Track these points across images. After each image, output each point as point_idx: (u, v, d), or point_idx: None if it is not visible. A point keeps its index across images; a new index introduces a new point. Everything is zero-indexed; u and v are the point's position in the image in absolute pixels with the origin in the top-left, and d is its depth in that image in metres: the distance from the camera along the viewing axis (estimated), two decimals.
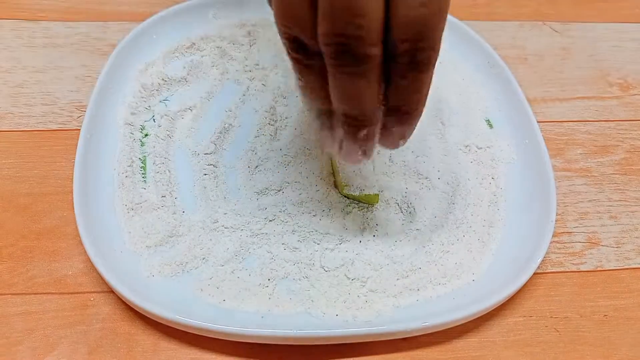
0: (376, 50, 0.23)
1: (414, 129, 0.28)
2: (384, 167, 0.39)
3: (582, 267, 0.37)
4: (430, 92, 0.40)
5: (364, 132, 0.27)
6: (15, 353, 0.32)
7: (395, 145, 0.29)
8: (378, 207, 0.37)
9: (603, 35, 0.51)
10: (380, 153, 0.39)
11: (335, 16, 0.22)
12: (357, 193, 0.36)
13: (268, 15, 0.42)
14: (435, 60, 0.25)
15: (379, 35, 0.23)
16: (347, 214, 0.36)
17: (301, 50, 0.25)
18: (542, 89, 0.47)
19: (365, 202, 0.36)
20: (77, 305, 0.33)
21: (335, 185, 0.37)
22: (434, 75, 0.26)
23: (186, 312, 0.31)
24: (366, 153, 0.28)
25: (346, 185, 0.35)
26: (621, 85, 0.48)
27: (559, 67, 0.49)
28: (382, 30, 0.23)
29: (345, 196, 0.37)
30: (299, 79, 0.27)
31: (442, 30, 0.24)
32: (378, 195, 0.36)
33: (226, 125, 0.40)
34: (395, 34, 0.23)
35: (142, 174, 0.38)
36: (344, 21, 0.22)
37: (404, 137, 0.28)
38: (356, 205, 0.37)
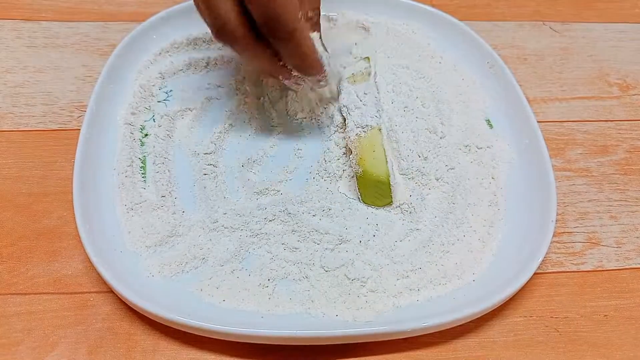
0: (240, 33, 0.32)
1: (322, 76, 0.36)
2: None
3: (583, 267, 0.37)
4: (430, 92, 0.41)
5: (279, 78, 0.37)
6: (15, 353, 0.32)
7: (319, 85, 0.38)
8: (378, 207, 0.37)
9: (603, 35, 0.51)
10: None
11: (201, 13, 0.33)
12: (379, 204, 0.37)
13: None
14: (293, 29, 0.31)
15: (236, 21, 0.31)
16: (347, 214, 0.36)
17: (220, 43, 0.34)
18: (542, 89, 0.47)
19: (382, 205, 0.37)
20: (76, 305, 0.33)
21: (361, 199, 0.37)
22: (315, 40, 0.34)
23: (186, 312, 0.31)
24: (318, 83, 0.38)
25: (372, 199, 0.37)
26: (621, 85, 0.48)
27: (559, 67, 0.49)
28: (241, 18, 0.31)
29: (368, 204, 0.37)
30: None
31: (286, 4, 0.30)
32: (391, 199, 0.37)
33: (226, 125, 0.40)
34: (257, 24, 0.31)
35: (142, 174, 0.38)
36: (206, 15, 0.32)
37: (319, 83, 0.37)
38: (356, 205, 0.37)
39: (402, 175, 0.38)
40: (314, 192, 0.37)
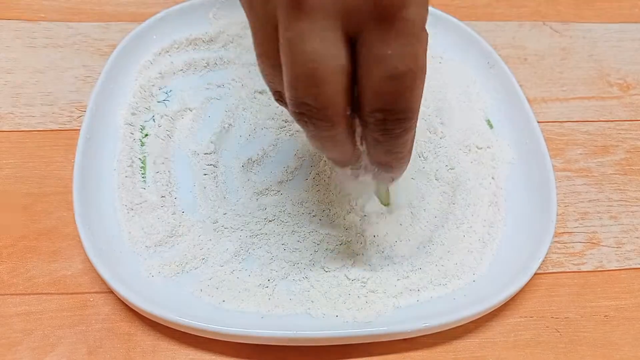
0: (339, 119, 0.23)
1: (402, 173, 0.28)
2: None
3: (583, 268, 0.37)
4: (430, 92, 0.41)
5: (348, 167, 0.28)
6: (15, 353, 0.32)
7: (387, 182, 0.30)
8: (378, 207, 0.36)
9: (603, 35, 0.51)
10: None
11: (293, 85, 0.22)
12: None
13: None
14: (412, 125, 0.24)
15: (342, 105, 0.23)
16: (347, 214, 0.36)
17: (283, 104, 0.25)
18: (542, 89, 0.47)
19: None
20: (76, 305, 0.33)
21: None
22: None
23: (186, 312, 0.31)
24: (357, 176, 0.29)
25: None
26: (621, 85, 0.48)
27: (559, 67, 0.48)
28: (348, 98, 0.23)
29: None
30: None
31: (418, 98, 0.23)
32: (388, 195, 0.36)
33: (226, 126, 0.40)
34: (364, 106, 0.23)
35: (142, 174, 0.38)
36: (302, 91, 0.22)
37: (392, 179, 0.29)
38: (356, 205, 0.37)
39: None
40: (315, 193, 0.37)
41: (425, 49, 0.23)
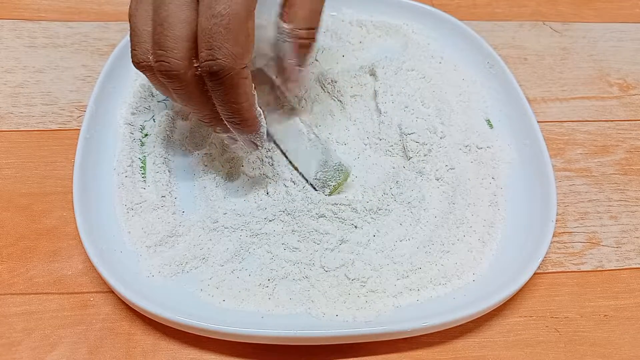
0: (183, 68, 0.28)
1: (257, 135, 0.32)
2: (384, 167, 0.39)
3: (583, 267, 0.37)
4: (430, 92, 0.41)
5: (217, 128, 0.32)
6: (15, 353, 0.32)
7: (252, 148, 0.33)
8: (378, 207, 0.36)
9: (603, 35, 0.51)
10: (381, 153, 0.39)
11: (153, 40, 0.28)
12: (333, 183, 0.36)
13: None
14: (236, 73, 0.28)
15: (185, 54, 0.28)
16: (347, 214, 0.36)
17: (141, 70, 0.30)
18: (542, 89, 0.47)
19: (343, 182, 0.37)
20: (77, 305, 0.33)
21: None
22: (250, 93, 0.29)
23: (186, 312, 0.31)
24: (251, 145, 0.33)
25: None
26: (621, 85, 0.48)
27: (559, 67, 0.49)
28: (190, 51, 0.28)
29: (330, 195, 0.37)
30: (155, 88, 0.32)
31: (238, 40, 0.27)
32: (348, 172, 0.37)
33: None
34: (199, 52, 0.27)
35: (142, 174, 0.38)
36: (155, 45, 0.28)
37: (254, 143, 0.32)
38: (356, 205, 0.37)
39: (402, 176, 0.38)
40: (315, 193, 0.37)
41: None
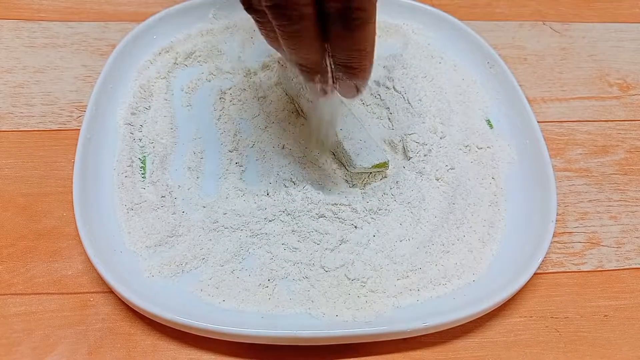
0: (308, 9, 0.26)
1: (366, 82, 0.30)
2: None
3: (583, 267, 0.37)
4: (430, 92, 0.41)
5: (317, 77, 0.30)
6: (15, 353, 0.32)
7: (351, 95, 0.31)
8: (378, 207, 0.36)
9: (603, 35, 0.51)
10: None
11: None
12: (367, 165, 0.36)
13: None
14: (369, 18, 0.26)
15: None
16: (347, 214, 0.36)
17: (252, 11, 0.28)
18: (542, 89, 0.47)
19: (378, 169, 0.37)
20: (77, 305, 0.33)
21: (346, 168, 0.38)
22: (376, 35, 0.28)
23: (186, 312, 0.31)
24: (326, 92, 0.31)
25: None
26: (621, 85, 0.48)
27: (559, 67, 0.49)
28: None
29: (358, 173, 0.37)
30: (262, 34, 0.30)
31: None
32: (386, 162, 0.37)
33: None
34: None
35: (142, 174, 0.38)
36: None
37: (357, 88, 0.31)
38: (356, 205, 0.37)
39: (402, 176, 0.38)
40: (314, 193, 0.37)
41: None
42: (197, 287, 0.33)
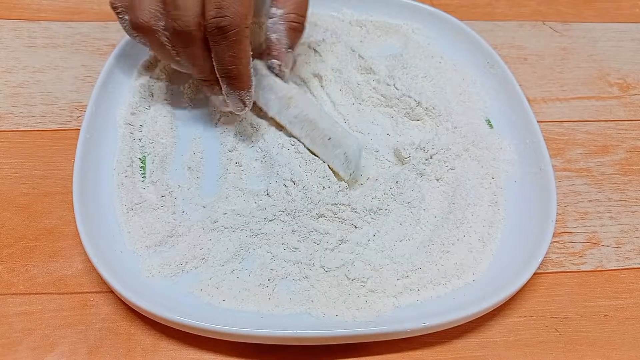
0: (195, 25, 0.32)
1: (248, 93, 0.36)
2: (383, 167, 0.39)
3: (583, 267, 0.37)
4: (430, 92, 0.41)
5: (215, 88, 0.36)
6: (15, 353, 0.32)
7: (239, 108, 0.37)
8: (378, 207, 0.36)
9: (603, 35, 0.51)
10: (381, 152, 0.39)
11: (166, 8, 0.33)
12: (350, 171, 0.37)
13: None
14: (238, 30, 0.32)
15: (197, 12, 0.32)
16: (347, 214, 0.36)
17: (143, 36, 0.36)
18: (542, 89, 0.47)
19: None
20: (77, 305, 0.33)
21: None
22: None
23: (186, 312, 0.31)
24: (240, 104, 0.37)
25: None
26: (621, 85, 0.48)
27: (559, 67, 0.49)
28: (200, 12, 0.32)
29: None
30: (160, 57, 0.38)
31: (240, 5, 0.32)
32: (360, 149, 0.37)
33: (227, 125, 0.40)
34: (206, 18, 0.32)
35: (142, 174, 0.38)
36: (170, 6, 0.32)
37: (243, 102, 0.36)
38: (356, 205, 0.37)
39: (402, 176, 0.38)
40: (314, 193, 0.37)
41: None
42: (197, 287, 0.33)
